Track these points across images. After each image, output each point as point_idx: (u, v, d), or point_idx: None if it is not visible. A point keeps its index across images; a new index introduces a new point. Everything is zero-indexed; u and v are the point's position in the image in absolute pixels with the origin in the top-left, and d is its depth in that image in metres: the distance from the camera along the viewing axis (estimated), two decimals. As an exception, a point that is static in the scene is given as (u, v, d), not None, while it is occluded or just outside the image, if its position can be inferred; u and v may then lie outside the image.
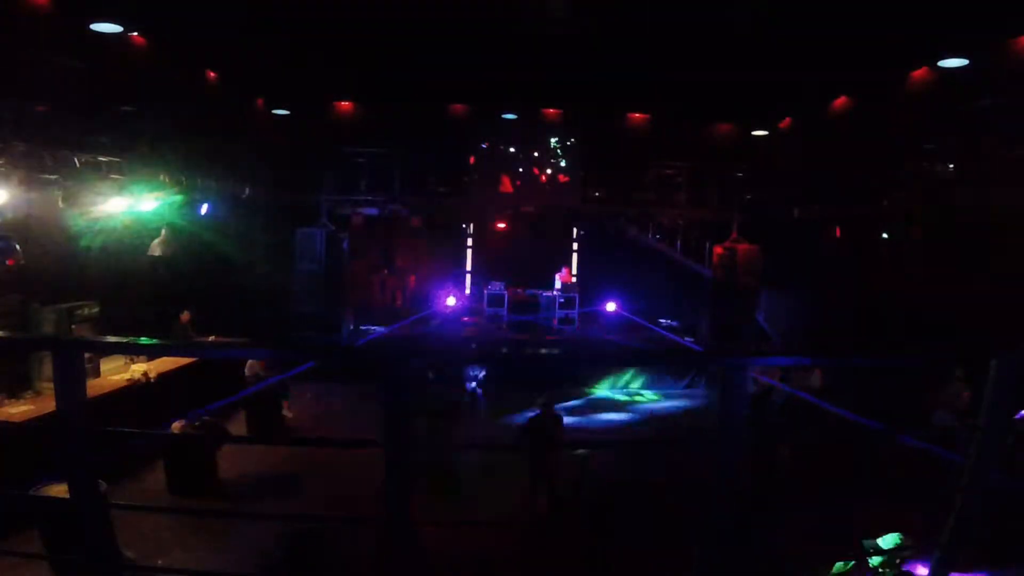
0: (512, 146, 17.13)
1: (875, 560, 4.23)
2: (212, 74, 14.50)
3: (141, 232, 11.23)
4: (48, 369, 7.73)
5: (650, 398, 13.53)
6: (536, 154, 17.11)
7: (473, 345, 14.98)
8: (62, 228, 9.61)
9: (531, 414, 8.11)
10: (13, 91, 8.12)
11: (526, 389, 12.36)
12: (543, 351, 14.74)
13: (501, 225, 17.53)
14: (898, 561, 4.22)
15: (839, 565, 4.35)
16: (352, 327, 15.30)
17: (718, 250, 15.17)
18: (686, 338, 15.50)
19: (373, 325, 15.71)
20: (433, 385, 11.23)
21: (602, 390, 13.76)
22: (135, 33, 11.23)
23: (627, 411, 12.67)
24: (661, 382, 14.07)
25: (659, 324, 16.21)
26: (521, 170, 17.12)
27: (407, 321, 15.63)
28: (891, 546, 4.29)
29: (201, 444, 8.33)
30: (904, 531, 4.55)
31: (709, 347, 14.50)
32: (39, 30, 9.13)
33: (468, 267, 18.74)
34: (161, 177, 10.79)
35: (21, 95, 8.34)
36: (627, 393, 13.71)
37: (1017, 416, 6.03)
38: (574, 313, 16.28)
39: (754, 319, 14.99)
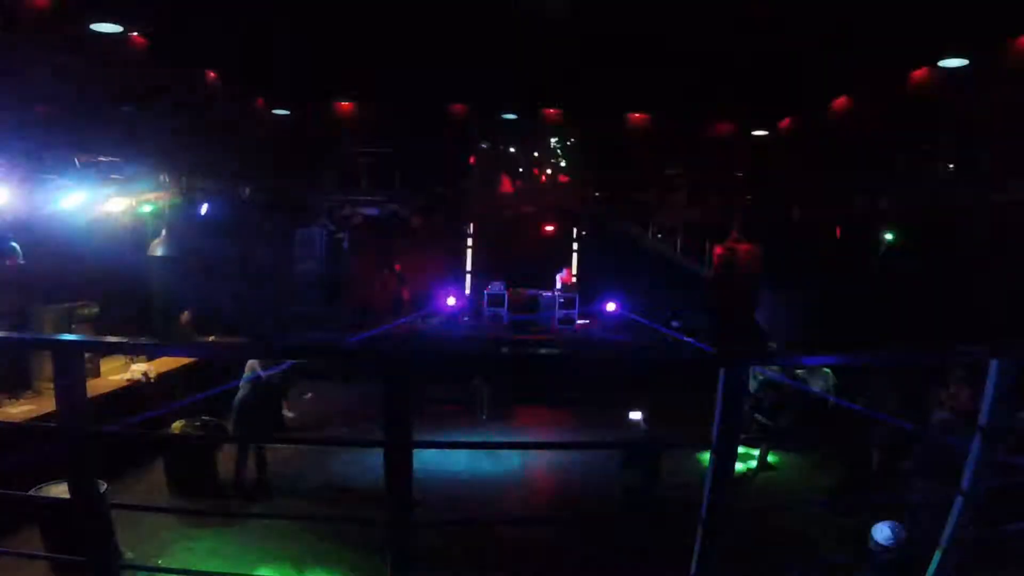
0: (512, 146, 17.11)
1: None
2: (212, 74, 14.49)
3: (141, 232, 11.24)
4: (48, 369, 7.72)
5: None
6: (536, 154, 17.10)
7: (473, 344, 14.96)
8: (62, 228, 9.61)
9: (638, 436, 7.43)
10: (13, 91, 8.11)
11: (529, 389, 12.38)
12: (543, 351, 14.69)
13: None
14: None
15: None
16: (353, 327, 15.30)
17: (718, 250, 15.17)
18: (686, 338, 15.48)
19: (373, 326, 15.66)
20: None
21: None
22: (135, 33, 11.23)
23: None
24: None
25: (671, 326, 15.99)
26: (521, 170, 17.10)
27: (408, 319, 15.56)
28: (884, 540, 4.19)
29: (201, 444, 8.33)
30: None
31: (709, 347, 14.48)
32: (39, 30, 9.13)
33: (468, 267, 18.73)
34: (161, 177, 10.80)
35: (21, 95, 8.34)
36: None
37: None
38: (574, 313, 16.26)
39: (754, 319, 14.98)
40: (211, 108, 13.19)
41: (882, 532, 4.15)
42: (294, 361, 10.17)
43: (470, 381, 12.11)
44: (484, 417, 11.78)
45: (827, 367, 9.71)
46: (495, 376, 11.81)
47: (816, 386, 9.89)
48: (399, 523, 2.23)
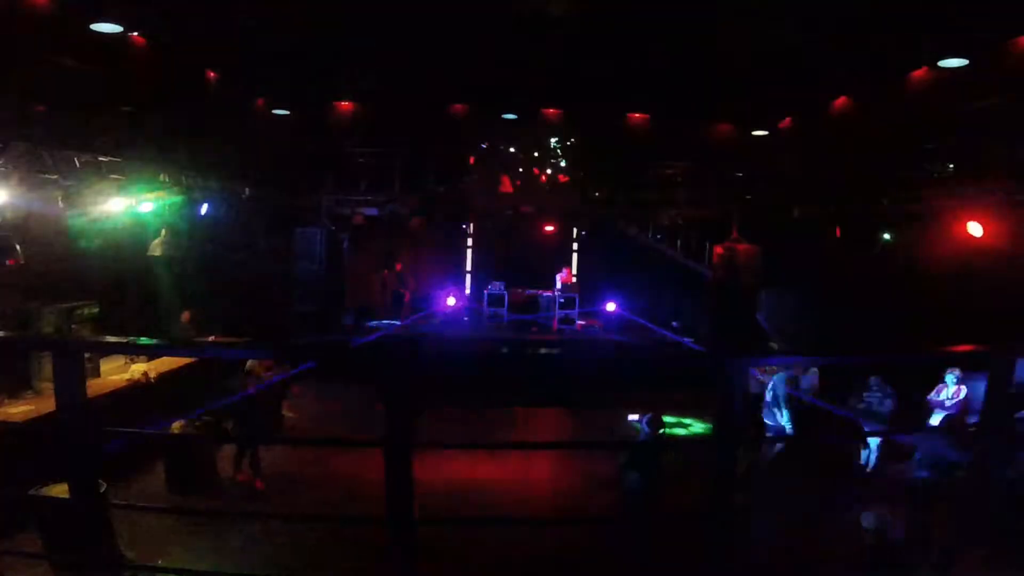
0: (512, 146, 17.12)
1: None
2: (212, 74, 14.50)
3: (141, 232, 11.23)
4: (48, 369, 7.72)
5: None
6: (536, 154, 17.11)
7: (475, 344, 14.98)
8: (62, 228, 9.61)
9: (639, 437, 7.10)
10: (14, 91, 8.11)
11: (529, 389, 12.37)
12: (543, 351, 14.74)
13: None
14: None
15: None
16: (354, 324, 15.38)
17: (718, 250, 15.17)
18: (686, 338, 15.50)
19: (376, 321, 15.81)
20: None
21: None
22: (135, 33, 11.24)
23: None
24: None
25: (671, 327, 16.00)
26: (521, 170, 17.11)
27: (414, 317, 15.63)
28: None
29: (201, 444, 8.33)
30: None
31: (709, 347, 14.50)
32: (39, 30, 9.13)
33: (468, 267, 18.74)
34: (161, 177, 10.80)
35: (21, 95, 8.34)
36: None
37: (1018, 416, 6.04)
38: (574, 313, 16.27)
39: (754, 319, 14.98)
40: (211, 108, 13.20)
41: (867, 519, 4.38)
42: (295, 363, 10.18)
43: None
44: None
45: (815, 368, 9.70)
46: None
47: (805, 385, 9.89)
48: (399, 523, 2.24)
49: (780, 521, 6.70)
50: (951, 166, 10.02)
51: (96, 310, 9.97)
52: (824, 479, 8.33)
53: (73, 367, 2.17)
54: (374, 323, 15.75)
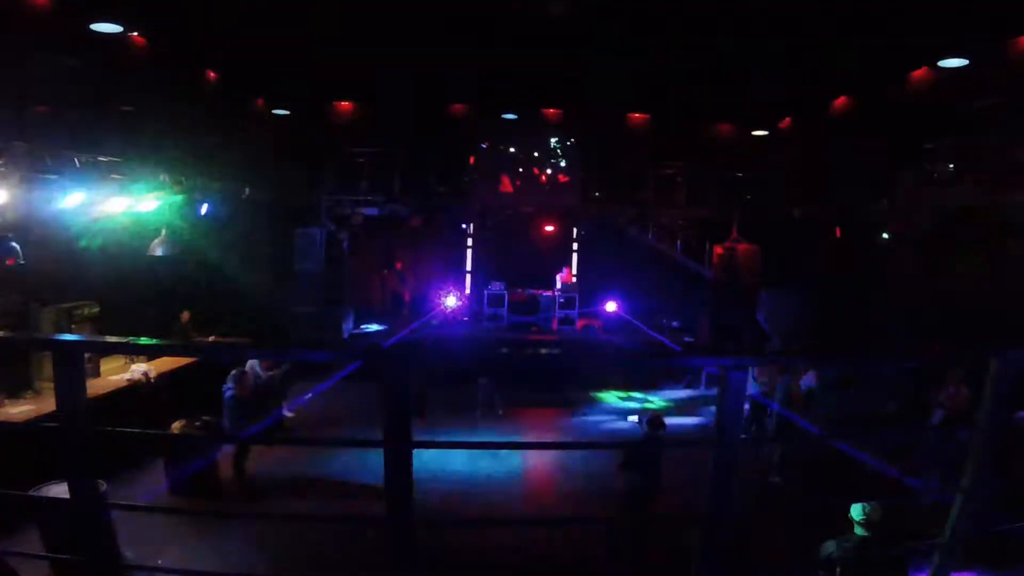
0: (512, 146, 17.13)
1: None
2: (212, 74, 14.51)
3: (141, 232, 11.23)
4: (48, 369, 7.71)
5: (658, 404, 12.90)
6: (536, 154, 17.11)
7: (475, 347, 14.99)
8: (62, 228, 9.61)
9: (638, 437, 7.32)
10: (13, 91, 8.11)
11: (529, 389, 12.44)
12: (543, 351, 14.74)
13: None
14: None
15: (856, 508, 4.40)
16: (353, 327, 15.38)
17: (718, 250, 15.18)
18: (686, 338, 15.50)
19: (373, 324, 15.82)
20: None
21: (611, 398, 13.31)
22: (135, 33, 11.24)
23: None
24: (661, 386, 13.86)
25: (671, 327, 16.14)
26: (521, 170, 17.11)
27: (414, 325, 15.64)
28: (859, 515, 4.39)
29: (201, 444, 8.32)
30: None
31: (708, 347, 14.51)
32: (39, 30, 9.13)
33: (468, 267, 18.74)
34: (161, 177, 10.79)
35: (21, 95, 8.34)
36: (637, 400, 13.21)
37: (1018, 416, 6.04)
38: (574, 313, 16.28)
39: (754, 319, 14.99)
40: (211, 108, 13.20)
41: (855, 509, 4.43)
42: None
43: (477, 380, 12.14)
44: (501, 413, 11.90)
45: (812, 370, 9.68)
46: (500, 375, 11.84)
47: (804, 386, 9.85)
48: (399, 523, 2.24)
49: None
50: (951, 166, 10.04)
51: (96, 310, 9.98)
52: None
53: (73, 367, 2.17)
54: (369, 328, 15.74)
